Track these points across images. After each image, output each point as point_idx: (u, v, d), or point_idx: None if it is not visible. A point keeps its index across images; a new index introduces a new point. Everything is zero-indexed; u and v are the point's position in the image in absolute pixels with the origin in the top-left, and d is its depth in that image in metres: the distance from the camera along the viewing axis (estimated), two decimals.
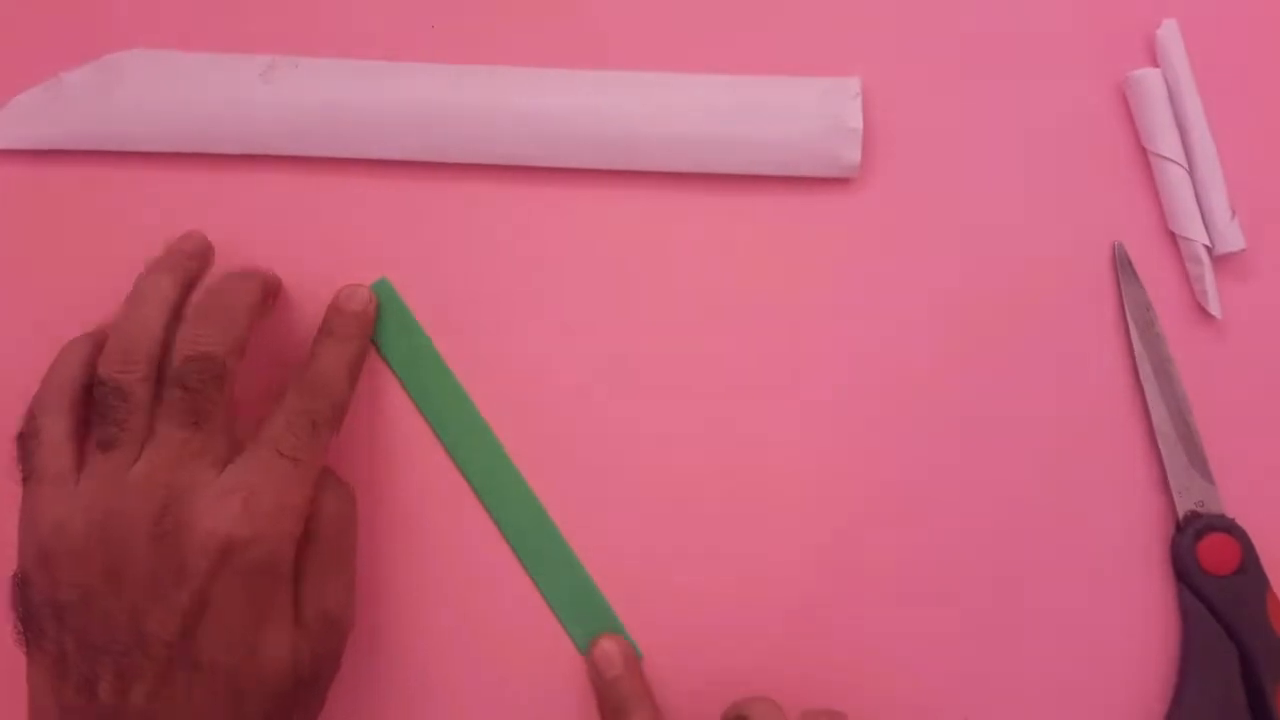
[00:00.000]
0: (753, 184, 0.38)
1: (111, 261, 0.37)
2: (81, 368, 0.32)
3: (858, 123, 0.37)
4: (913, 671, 0.36)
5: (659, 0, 0.39)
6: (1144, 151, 0.38)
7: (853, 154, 0.37)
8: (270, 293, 0.35)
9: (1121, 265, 0.38)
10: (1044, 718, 0.36)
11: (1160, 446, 0.37)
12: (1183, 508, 0.36)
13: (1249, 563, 0.35)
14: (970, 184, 0.38)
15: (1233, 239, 0.37)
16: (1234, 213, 0.37)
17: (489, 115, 0.37)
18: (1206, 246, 0.37)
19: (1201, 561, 0.35)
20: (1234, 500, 0.36)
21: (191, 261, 0.34)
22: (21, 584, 0.30)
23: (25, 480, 0.31)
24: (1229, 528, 0.36)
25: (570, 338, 0.37)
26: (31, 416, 0.32)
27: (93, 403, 0.31)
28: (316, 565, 0.32)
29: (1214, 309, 0.37)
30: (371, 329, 0.36)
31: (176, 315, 0.32)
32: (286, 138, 0.37)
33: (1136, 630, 0.36)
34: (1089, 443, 0.37)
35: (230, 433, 0.32)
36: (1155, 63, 0.39)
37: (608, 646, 0.35)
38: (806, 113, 0.37)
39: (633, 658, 0.35)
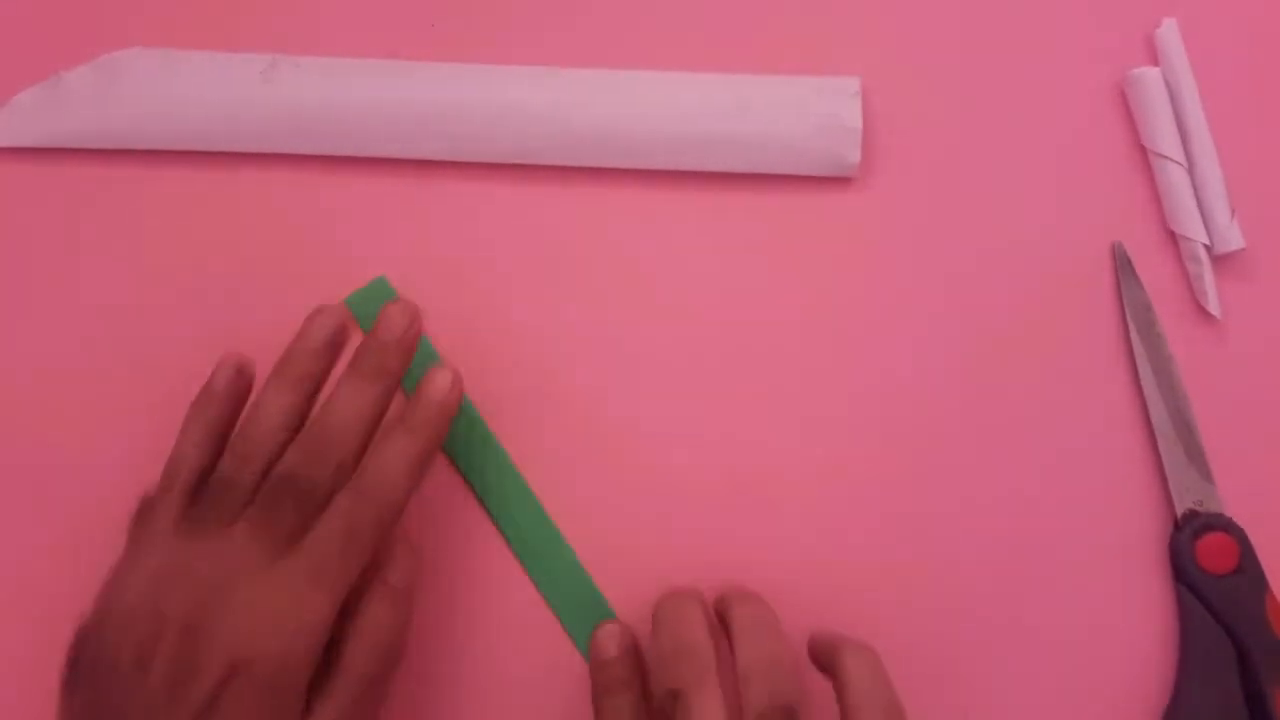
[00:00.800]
0: (753, 183, 0.38)
1: (111, 261, 0.37)
2: (200, 455, 0.33)
3: (857, 122, 0.37)
4: (912, 671, 0.36)
5: (659, 0, 0.39)
6: (1144, 151, 0.38)
7: (852, 154, 0.37)
8: (389, 399, 0.34)
9: (1121, 264, 0.38)
10: (1043, 716, 0.36)
11: (1159, 445, 0.37)
12: (1181, 506, 0.36)
13: (1247, 562, 0.36)
14: (970, 183, 0.38)
15: (1232, 238, 0.37)
16: (1234, 212, 0.37)
17: (488, 114, 0.37)
18: (1206, 246, 0.37)
19: (1200, 560, 0.35)
20: (1232, 499, 0.36)
21: (316, 363, 0.34)
22: (81, 633, 0.31)
23: (128, 541, 0.33)
24: (1227, 527, 0.36)
25: (569, 336, 0.37)
26: (159, 489, 0.33)
27: (205, 488, 0.32)
28: (335, 701, 0.31)
29: (1213, 308, 0.37)
30: (449, 422, 0.34)
31: (301, 417, 0.33)
32: (286, 137, 0.37)
33: (1134, 629, 0.36)
34: (1088, 441, 0.37)
35: (293, 538, 0.31)
36: (1155, 62, 0.39)
37: (609, 629, 0.34)
38: (806, 112, 0.37)
39: (633, 643, 0.34)
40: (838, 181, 0.38)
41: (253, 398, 0.34)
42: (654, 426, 0.37)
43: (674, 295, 0.38)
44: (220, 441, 0.33)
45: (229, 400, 0.34)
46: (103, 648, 0.30)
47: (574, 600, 0.36)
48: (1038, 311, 0.38)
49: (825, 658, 0.31)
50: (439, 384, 0.34)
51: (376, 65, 0.38)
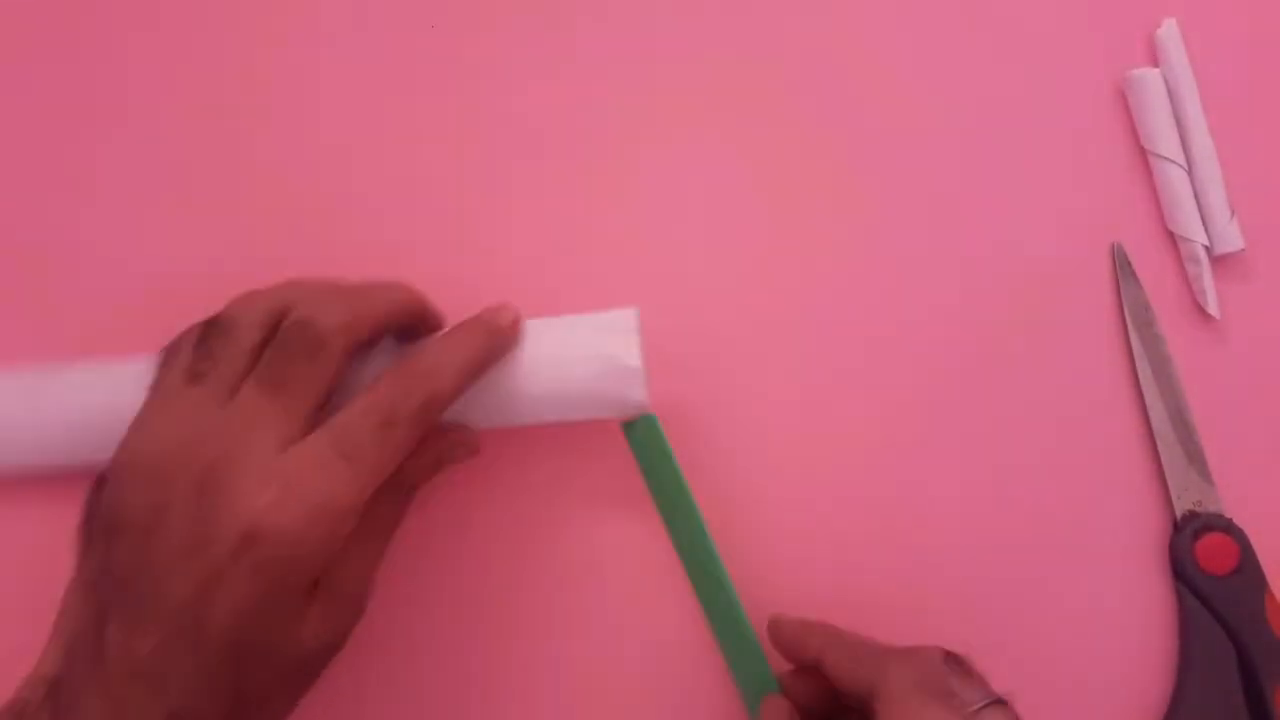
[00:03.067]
0: None
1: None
2: (255, 313, 0.30)
3: (637, 360, 0.33)
4: None
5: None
6: (1144, 151, 0.38)
7: (639, 394, 0.33)
8: (424, 321, 0.33)
9: (1121, 265, 0.38)
10: (1043, 716, 0.36)
11: (1158, 446, 0.37)
12: (1181, 507, 0.36)
13: (1247, 562, 0.36)
14: (970, 183, 0.38)
15: (1231, 239, 0.37)
16: (1233, 213, 0.37)
17: None
18: (1205, 246, 0.37)
19: (1199, 561, 0.36)
20: (1232, 500, 0.36)
21: (392, 304, 0.32)
22: (97, 484, 0.30)
23: (149, 388, 0.30)
24: (1227, 527, 0.36)
25: None
26: (186, 335, 0.31)
27: (201, 332, 0.30)
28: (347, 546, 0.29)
29: (1212, 309, 0.37)
30: (502, 349, 0.32)
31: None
32: None
33: (1135, 629, 0.36)
34: (1087, 442, 0.37)
35: (314, 414, 0.29)
36: (1155, 62, 0.39)
37: (774, 704, 0.33)
38: (586, 355, 0.33)
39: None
40: (837, 181, 0.38)
41: None
42: None
43: None
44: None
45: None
46: (116, 506, 0.28)
47: (744, 664, 0.35)
48: (1037, 312, 0.38)
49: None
50: (503, 313, 0.32)
51: None
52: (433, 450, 0.33)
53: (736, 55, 0.39)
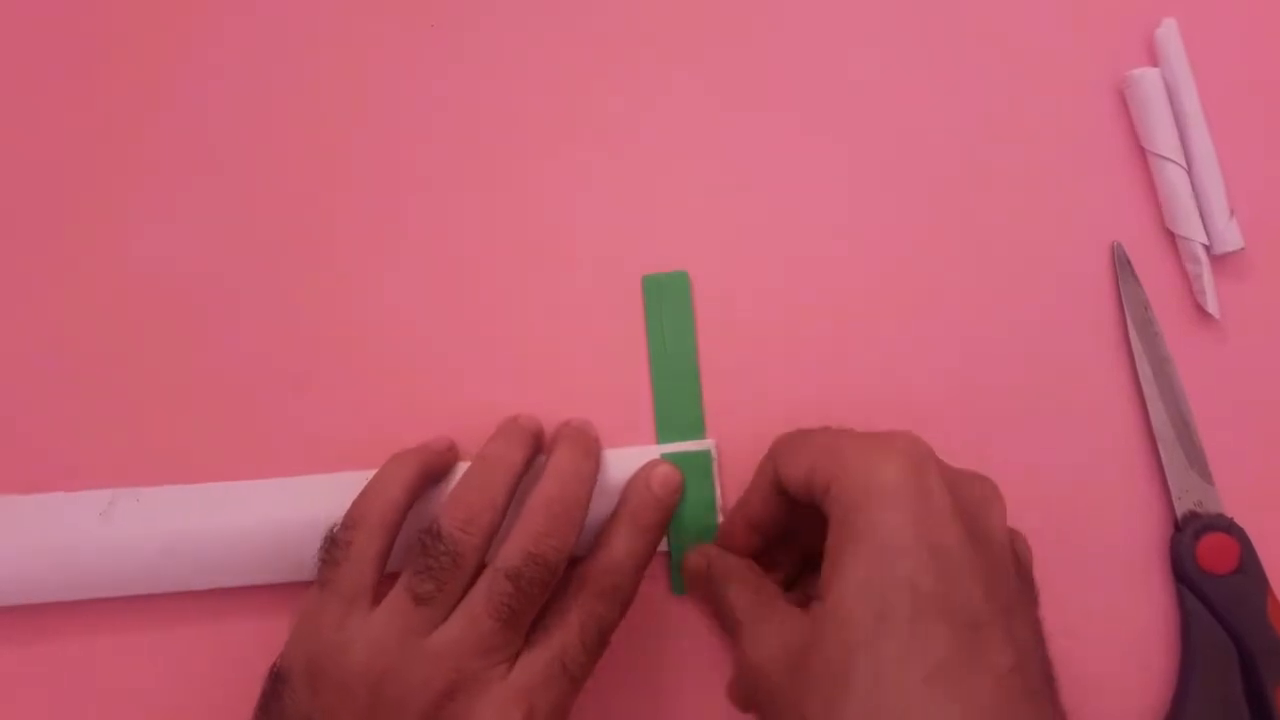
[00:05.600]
0: None
1: None
2: (405, 492, 0.32)
3: (712, 493, 0.36)
4: None
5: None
6: (1143, 151, 0.38)
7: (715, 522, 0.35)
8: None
9: (1120, 265, 0.38)
10: None
11: (1159, 446, 0.37)
12: (1182, 507, 0.36)
13: (1248, 562, 0.35)
14: (970, 183, 0.38)
15: (1231, 239, 0.37)
16: (1232, 212, 0.37)
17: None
18: (1205, 246, 0.37)
19: (1201, 561, 0.35)
20: (1233, 500, 0.36)
21: (536, 440, 0.35)
22: (280, 680, 0.30)
23: (321, 584, 0.31)
24: (1228, 527, 0.36)
25: None
26: (347, 526, 0.31)
27: (421, 546, 0.30)
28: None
29: (1212, 308, 0.37)
30: (670, 516, 0.35)
31: (518, 483, 0.33)
32: (130, 579, 0.34)
33: (1136, 630, 0.36)
34: (1088, 442, 0.37)
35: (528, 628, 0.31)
36: (1155, 62, 0.39)
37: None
38: None
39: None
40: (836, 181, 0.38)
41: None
42: None
43: None
44: (427, 486, 0.33)
45: (444, 457, 0.34)
46: (319, 709, 0.29)
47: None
48: (1037, 312, 0.38)
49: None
50: (667, 481, 0.34)
51: (223, 490, 0.35)
52: None
53: (735, 60, 0.39)
